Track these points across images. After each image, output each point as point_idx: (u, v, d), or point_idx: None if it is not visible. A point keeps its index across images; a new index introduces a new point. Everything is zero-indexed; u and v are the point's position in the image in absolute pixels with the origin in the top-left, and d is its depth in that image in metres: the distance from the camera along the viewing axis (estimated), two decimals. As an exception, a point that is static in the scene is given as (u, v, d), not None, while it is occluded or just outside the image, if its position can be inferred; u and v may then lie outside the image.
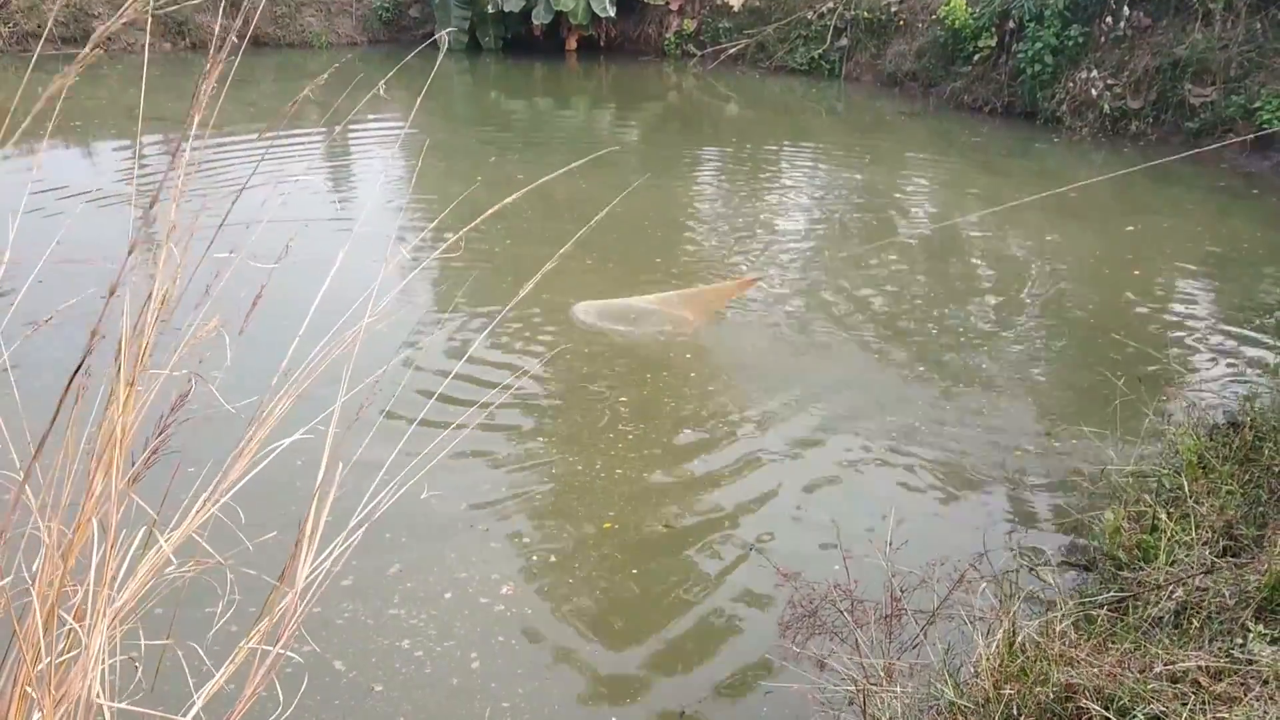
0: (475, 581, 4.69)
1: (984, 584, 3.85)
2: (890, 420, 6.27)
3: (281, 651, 1.66)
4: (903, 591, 3.92)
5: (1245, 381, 6.58)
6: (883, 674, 3.54)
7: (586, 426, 6.12)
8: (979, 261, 9.56)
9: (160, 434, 1.56)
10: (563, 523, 5.19)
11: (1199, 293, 8.71)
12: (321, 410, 1.95)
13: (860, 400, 6.56)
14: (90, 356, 1.51)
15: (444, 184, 12.15)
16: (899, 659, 3.67)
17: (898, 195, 12.09)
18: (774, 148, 15.01)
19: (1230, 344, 7.46)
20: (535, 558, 4.89)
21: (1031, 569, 4.09)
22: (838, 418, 6.31)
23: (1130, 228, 10.62)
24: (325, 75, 1.99)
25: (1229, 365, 7.01)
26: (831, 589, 4.10)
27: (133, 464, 1.57)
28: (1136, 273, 9.22)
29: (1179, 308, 8.30)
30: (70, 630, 1.54)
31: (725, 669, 4.17)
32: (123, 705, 1.64)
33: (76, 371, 1.49)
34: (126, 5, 1.49)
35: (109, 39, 21.47)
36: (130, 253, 1.60)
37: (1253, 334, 7.63)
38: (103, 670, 1.52)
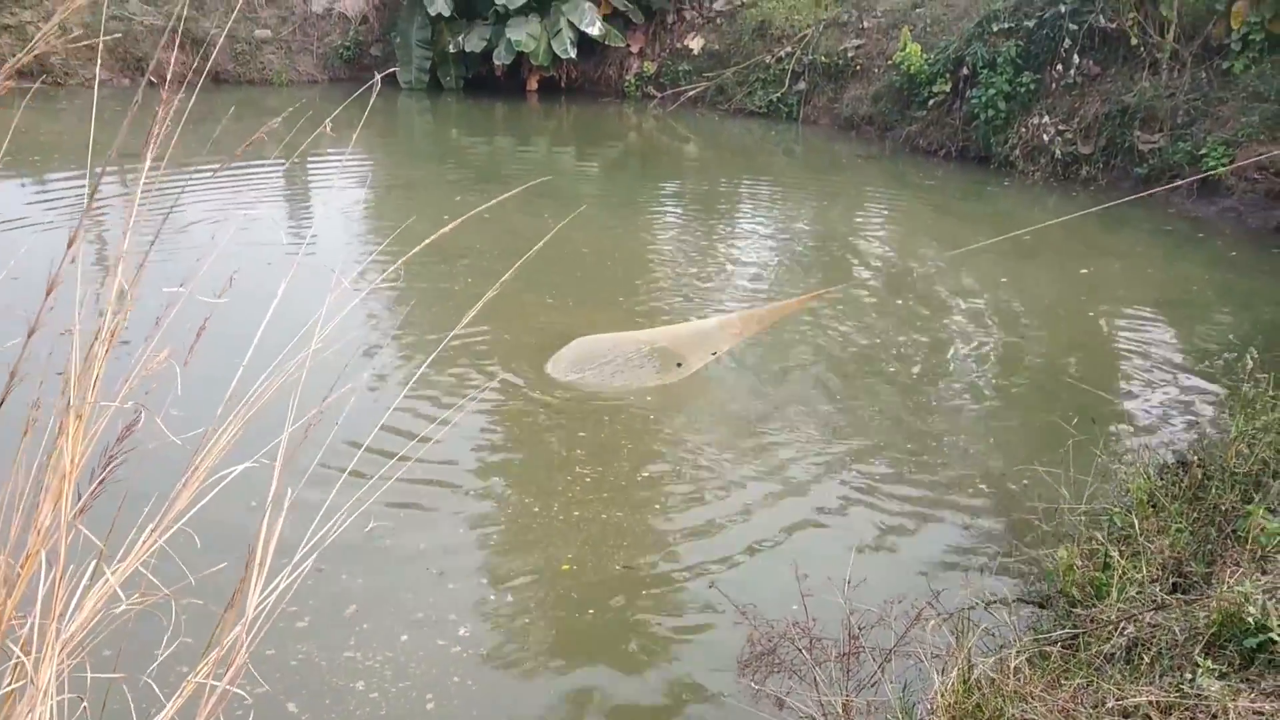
0: (432, 623, 4.64)
1: (941, 621, 3.88)
2: (847, 460, 6.31)
3: (230, 688, 1.64)
4: (860, 629, 3.94)
5: (1195, 422, 6.70)
6: (840, 711, 3.55)
7: (544, 467, 6.10)
8: (935, 303, 9.67)
9: (107, 466, 1.54)
10: (520, 564, 5.16)
11: (1151, 334, 8.85)
12: (272, 440, 1.94)
13: (817, 441, 6.59)
14: (9, 395, 1.49)
15: (404, 219, 12.10)
16: (857, 696, 3.68)
17: (854, 237, 12.22)
18: (733, 188, 15.16)
19: (1180, 384, 7.59)
20: (492, 598, 4.86)
21: (987, 606, 4.12)
22: (795, 458, 6.34)
23: (1084, 270, 10.80)
24: (285, 112, 2.00)
25: (1179, 405, 7.13)
26: (790, 627, 4.10)
27: (80, 496, 1.55)
28: (1090, 314, 9.37)
29: (1132, 349, 8.43)
30: (17, 664, 1.51)
31: (684, 708, 4.15)
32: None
33: None
34: (38, 36, 1.49)
35: (66, 74, 21.24)
36: (49, 292, 1.60)
37: (1201, 375, 7.76)
38: (51, 705, 1.49)
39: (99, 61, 21.07)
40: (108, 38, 20.70)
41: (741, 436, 6.62)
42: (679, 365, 7.31)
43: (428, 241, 2.29)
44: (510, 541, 5.35)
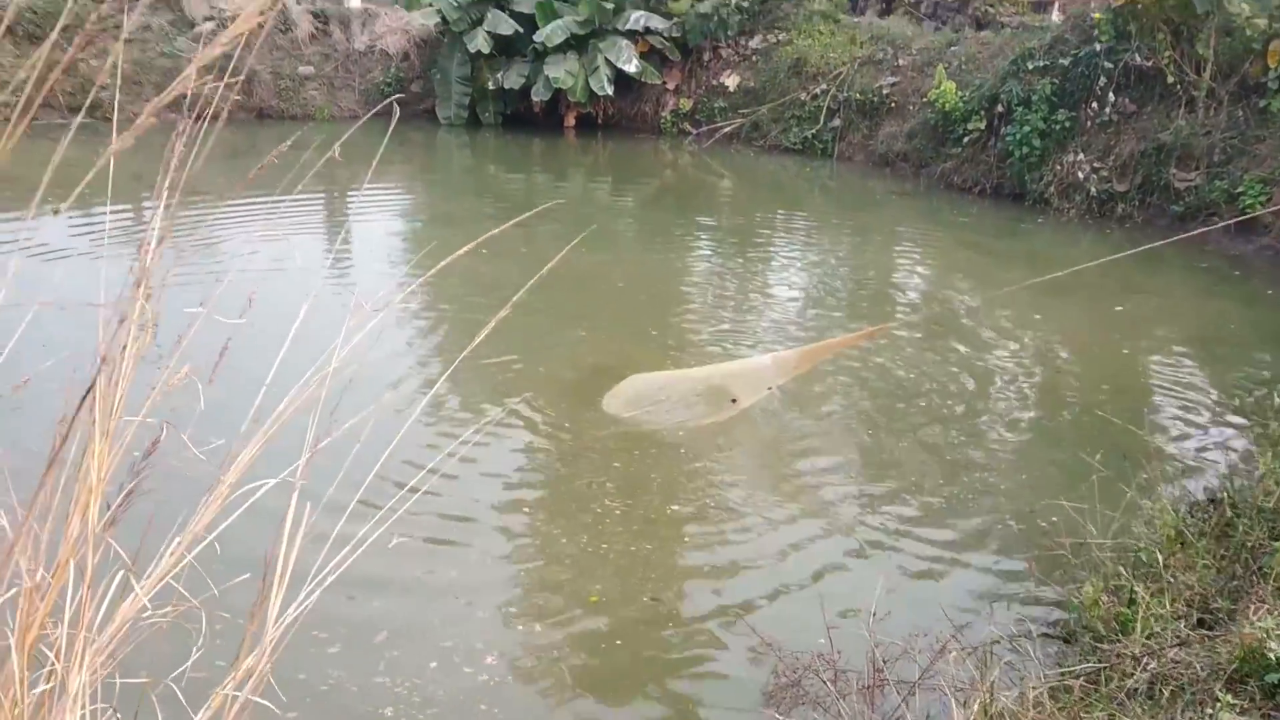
0: (460, 650, 4.69)
1: (965, 655, 3.88)
2: (879, 495, 6.32)
3: (254, 699, 1.70)
4: (885, 662, 3.96)
5: (1228, 459, 6.65)
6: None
7: (573, 499, 6.15)
8: (971, 339, 9.66)
9: (134, 479, 1.62)
10: (548, 595, 5.20)
11: (1186, 372, 8.80)
12: (298, 459, 2.01)
13: (849, 474, 6.61)
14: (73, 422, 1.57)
15: (445, 251, 12.29)
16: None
17: (890, 273, 12.24)
18: (768, 223, 15.25)
19: (1215, 422, 7.54)
20: (520, 627, 4.90)
21: (1011, 640, 4.11)
22: (826, 490, 6.36)
23: (1119, 308, 10.75)
24: (297, 138, 2.08)
25: (1213, 443, 7.08)
26: (815, 659, 4.12)
27: (109, 508, 1.63)
28: (1125, 351, 9.33)
29: (1167, 386, 8.39)
30: (50, 672, 1.58)
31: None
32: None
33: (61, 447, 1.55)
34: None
35: (116, 109, 21.82)
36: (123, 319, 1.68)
37: (1236, 413, 7.71)
38: (82, 713, 1.56)
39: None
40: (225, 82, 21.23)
41: (774, 468, 6.65)
42: (733, 401, 7.23)
43: (444, 263, 2.34)
44: (539, 573, 5.40)
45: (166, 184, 1.74)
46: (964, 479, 6.56)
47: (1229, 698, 2.87)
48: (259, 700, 1.72)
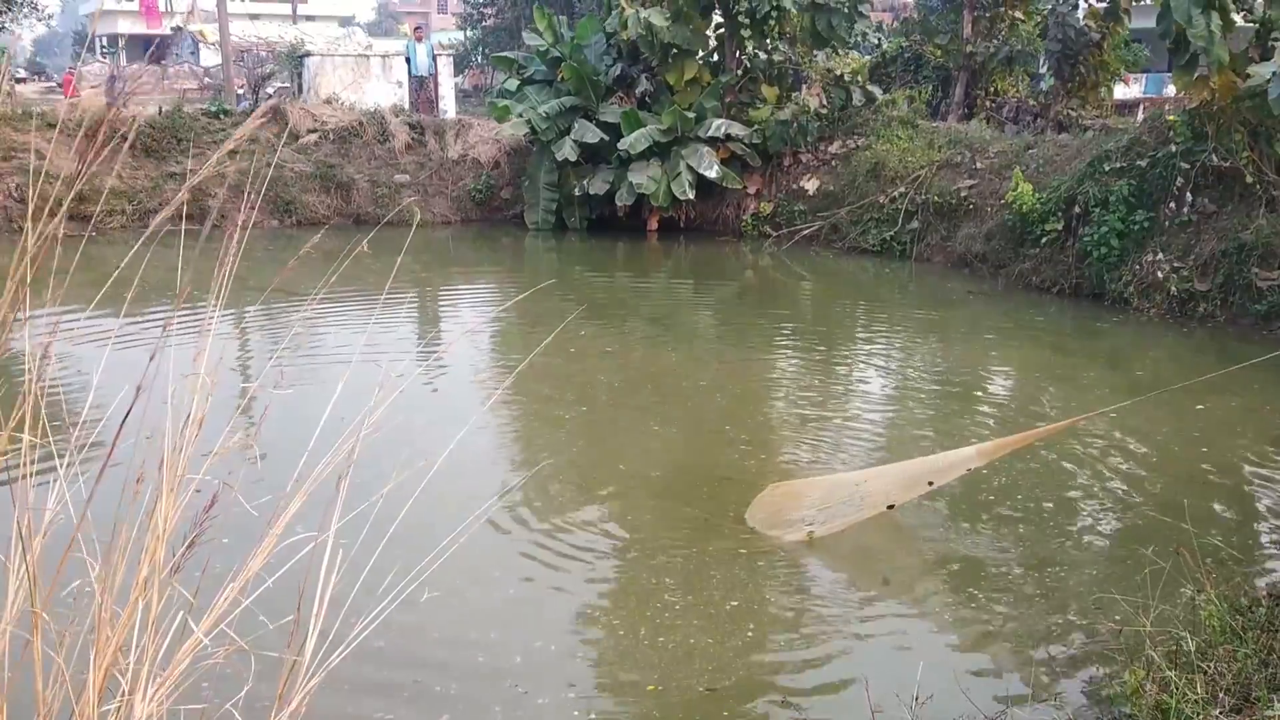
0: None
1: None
2: (940, 581, 6.39)
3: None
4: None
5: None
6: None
7: (634, 594, 6.31)
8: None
9: (196, 530, 1.89)
10: (609, 683, 5.37)
11: (1264, 473, 8.68)
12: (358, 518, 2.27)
13: (912, 561, 6.69)
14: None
15: (528, 349, 12.78)
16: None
17: (972, 373, 12.26)
18: (848, 324, 15.44)
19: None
20: (576, 713, 5.07)
21: (1056, 727, 4.17)
22: (884, 573, 6.45)
23: (1200, 406, 10.63)
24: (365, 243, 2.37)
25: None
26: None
27: (173, 555, 1.90)
28: (1204, 450, 9.24)
29: (1247, 488, 8.30)
30: (120, 704, 1.84)
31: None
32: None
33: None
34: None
35: (222, 216, 23.04)
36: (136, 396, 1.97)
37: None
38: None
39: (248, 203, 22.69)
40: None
41: (828, 552, 6.74)
42: (890, 508, 6.76)
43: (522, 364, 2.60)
44: (600, 661, 5.56)
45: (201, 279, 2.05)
46: (1029, 573, 6.58)
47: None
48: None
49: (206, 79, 36.83)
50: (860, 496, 6.70)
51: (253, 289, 14.88)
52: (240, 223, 2.04)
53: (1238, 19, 14.54)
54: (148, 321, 11.62)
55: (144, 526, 1.90)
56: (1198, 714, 3.64)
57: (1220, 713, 3.57)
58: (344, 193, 22.80)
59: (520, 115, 22.55)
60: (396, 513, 2.50)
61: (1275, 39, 14.35)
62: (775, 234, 21.53)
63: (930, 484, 6.58)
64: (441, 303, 16.37)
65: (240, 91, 26.92)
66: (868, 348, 13.79)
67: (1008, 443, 6.73)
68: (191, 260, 2.11)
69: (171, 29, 44.81)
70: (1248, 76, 13.57)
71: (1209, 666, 3.99)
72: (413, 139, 24.64)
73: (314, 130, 23.92)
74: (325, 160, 23.40)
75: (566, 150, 21.90)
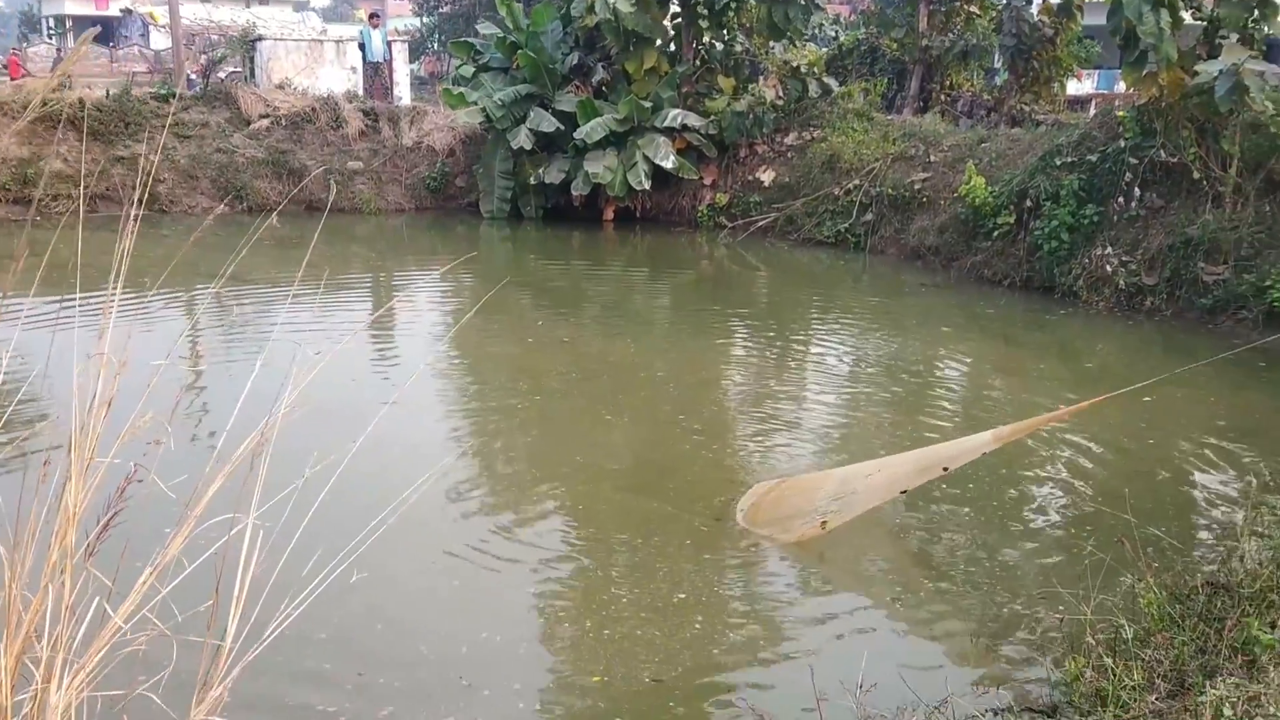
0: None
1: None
2: (889, 578, 6.42)
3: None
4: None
5: (1235, 547, 6.66)
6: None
7: (581, 588, 6.28)
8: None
9: (111, 513, 1.83)
10: (551, 674, 5.34)
11: (1209, 462, 8.81)
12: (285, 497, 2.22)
13: (862, 553, 6.71)
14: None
15: (482, 337, 12.75)
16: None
17: (924, 364, 12.36)
18: (803, 314, 15.50)
19: (1230, 512, 7.54)
20: (521, 705, 5.04)
21: (998, 714, 4.19)
22: (829, 569, 6.47)
23: (1146, 398, 10.77)
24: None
25: (1223, 531, 7.08)
26: (805, 730, 4.22)
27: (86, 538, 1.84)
28: (1151, 442, 9.36)
29: (1190, 478, 8.41)
30: (35, 692, 1.78)
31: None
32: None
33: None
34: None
35: (171, 201, 22.57)
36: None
37: (1254, 504, 7.70)
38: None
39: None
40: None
41: (785, 554, 6.75)
42: (903, 493, 6.74)
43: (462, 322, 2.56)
44: (543, 654, 5.53)
45: (117, 270, 1.99)
46: (976, 563, 6.63)
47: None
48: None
49: (156, 63, 36.19)
50: (874, 484, 6.61)
51: (204, 275, 14.73)
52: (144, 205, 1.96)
53: (1186, 16, 14.74)
54: (88, 306, 11.39)
55: (57, 510, 1.83)
56: (1134, 699, 3.68)
57: (1156, 698, 3.61)
58: (296, 179, 22.51)
59: (475, 103, 22.39)
60: (331, 497, 2.45)
61: (1223, 37, 14.56)
62: (731, 225, 21.54)
63: (945, 469, 6.49)
64: (396, 289, 16.21)
65: (191, 75, 26.48)
66: (822, 339, 13.84)
67: (1023, 427, 6.70)
68: (142, 249, 2.04)
69: (121, 11, 43.91)
70: (1195, 74, 13.77)
71: (1147, 654, 4.04)
72: (366, 126, 24.36)
73: (266, 115, 23.58)
74: (277, 146, 23.10)
75: (522, 139, 21.77)
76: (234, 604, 1.84)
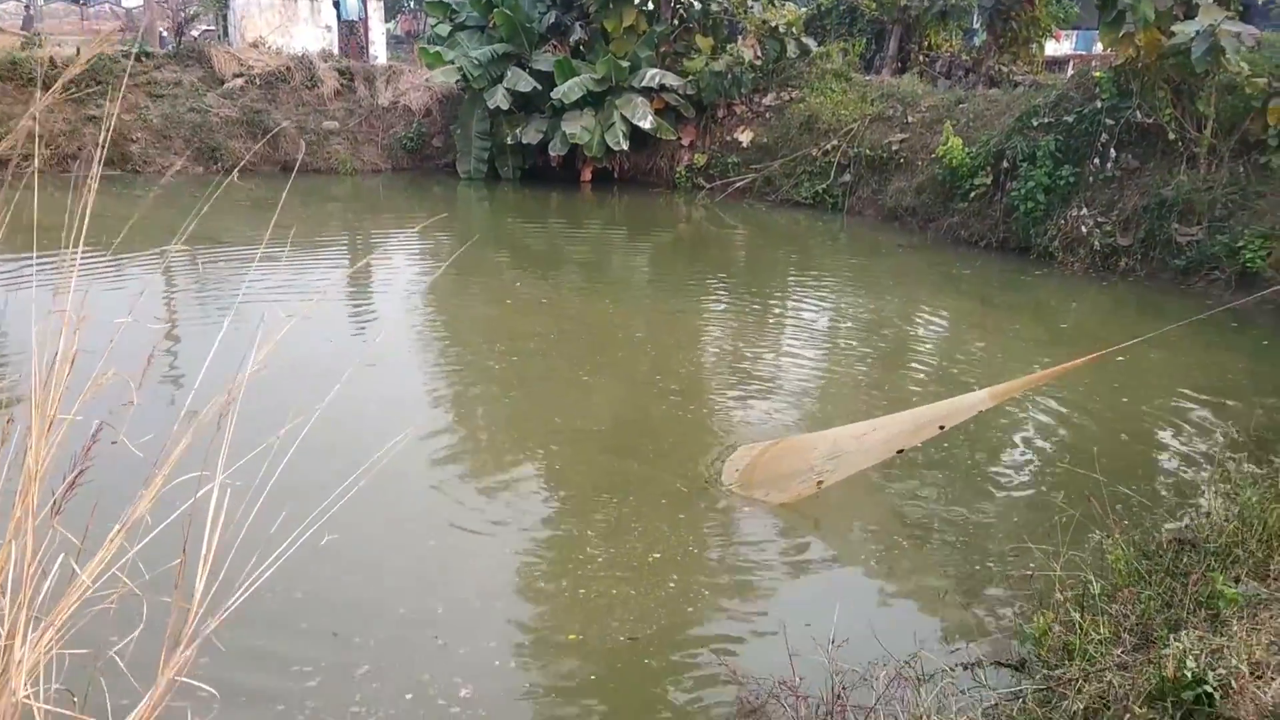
0: (436, 684, 4.84)
1: (921, 682, 4.03)
2: (864, 535, 6.48)
3: (181, 680, 1.89)
4: (845, 689, 4.10)
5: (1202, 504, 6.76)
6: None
7: (556, 546, 6.30)
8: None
9: (76, 470, 1.83)
10: (527, 633, 5.37)
11: (1182, 420, 8.90)
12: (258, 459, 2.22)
13: (836, 511, 6.77)
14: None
15: (460, 297, 12.71)
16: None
17: (901, 324, 12.42)
18: (780, 275, 15.50)
19: (1201, 469, 7.64)
20: (497, 663, 5.07)
21: (966, 668, 4.26)
22: (804, 528, 6.52)
23: (1120, 359, 10.85)
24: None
25: (1195, 488, 7.17)
26: (778, 685, 4.27)
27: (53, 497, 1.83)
28: (1124, 400, 9.44)
29: (1160, 435, 8.51)
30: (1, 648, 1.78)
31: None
32: (49, 707, 1.86)
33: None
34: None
35: (145, 161, 22.27)
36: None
37: (1225, 461, 7.80)
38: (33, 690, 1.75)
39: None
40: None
41: (756, 514, 6.80)
42: (900, 452, 6.68)
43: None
44: (519, 613, 5.56)
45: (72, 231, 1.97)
46: (949, 522, 6.70)
47: (1144, 711, 3.01)
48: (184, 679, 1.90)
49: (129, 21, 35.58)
50: (869, 444, 6.60)
51: (179, 236, 14.56)
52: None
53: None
54: (51, 266, 11.25)
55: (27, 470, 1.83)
56: (1100, 653, 3.75)
57: (1122, 651, 3.68)
58: (271, 139, 22.27)
59: (452, 62, 22.17)
60: (308, 457, 2.45)
61: (1200, -3, 14.56)
62: (709, 186, 21.49)
63: (941, 427, 6.42)
64: (372, 249, 16.10)
65: (164, 33, 26.08)
66: (799, 299, 13.86)
67: (1018, 385, 6.72)
68: (113, 209, 2.01)
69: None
70: (1172, 34, 13.76)
71: (1114, 608, 4.11)
72: (342, 85, 24.12)
73: (240, 75, 23.30)
74: (252, 106, 22.85)
75: (499, 98, 21.59)
76: (201, 563, 1.84)
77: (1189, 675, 3.07)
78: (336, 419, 7.81)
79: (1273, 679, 3.11)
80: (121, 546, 1.89)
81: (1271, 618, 3.64)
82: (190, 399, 2.11)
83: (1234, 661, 3.18)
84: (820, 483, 6.60)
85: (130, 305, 9.69)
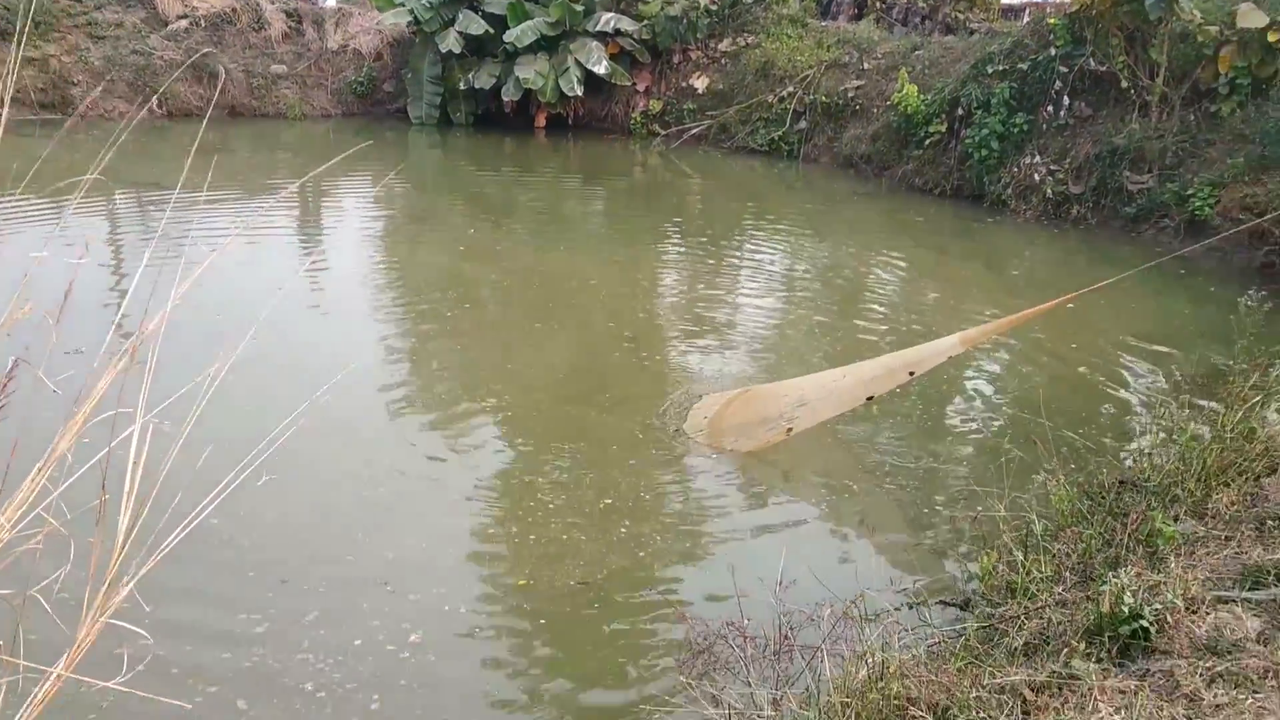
0: (386, 630, 4.82)
1: (867, 621, 4.08)
2: (815, 480, 6.52)
3: (124, 624, 1.85)
4: (792, 629, 4.14)
5: (1147, 445, 6.87)
6: (769, 706, 3.74)
7: (507, 494, 6.28)
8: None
9: None
10: (476, 579, 5.36)
11: (1129, 366, 9.02)
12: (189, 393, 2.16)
13: (788, 457, 6.80)
14: None
15: (416, 246, 12.59)
16: (789, 691, 3.87)
17: (855, 271, 12.46)
18: (735, 223, 15.47)
19: (1147, 413, 7.75)
20: (446, 608, 5.06)
21: (911, 607, 4.32)
22: (757, 474, 6.56)
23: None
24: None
25: (1140, 431, 7.29)
26: (725, 626, 4.30)
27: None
28: (1073, 346, 9.55)
29: (1108, 380, 8.62)
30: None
31: (624, 705, 4.35)
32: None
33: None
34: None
35: (88, 106, 21.61)
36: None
37: (1170, 404, 7.93)
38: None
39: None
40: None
41: (704, 461, 6.82)
42: (870, 399, 6.54)
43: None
44: (468, 558, 5.55)
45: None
46: (894, 467, 6.76)
47: (1083, 647, 3.07)
48: (121, 623, 1.86)
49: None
50: (839, 390, 6.55)
51: (124, 181, 14.26)
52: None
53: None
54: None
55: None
56: (1042, 591, 3.81)
57: (1062, 589, 3.74)
58: (217, 83, 21.78)
59: (402, 4, 21.74)
60: (255, 398, 2.40)
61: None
62: (664, 132, 21.35)
63: (911, 373, 6.37)
64: (322, 195, 15.84)
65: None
66: (755, 246, 13.84)
67: (988, 329, 6.70)
68: (54, 154, 1.93)
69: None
70: (1126, -19, 13.79)
71: (1056, 548, 4.17)
72: (290, 28, 23.59)
73: (184, 16, 22.69)
74: (196, 48, 22.28)
75: (450, 42, 21.24)
76: (124, 502, 1.79)
77: (1126, 610, 3.12)
78: (286, 365, 7.79)
79: (1207, 614, 3.17)
80: (44, 487, 1.84)
81: (1208, 554, 3.72)
82: (110, 335, 2.05)
83: (1170, 596, 3.24)
84: (790, 429, 6.60)
85: (75, 252, 9.51)
